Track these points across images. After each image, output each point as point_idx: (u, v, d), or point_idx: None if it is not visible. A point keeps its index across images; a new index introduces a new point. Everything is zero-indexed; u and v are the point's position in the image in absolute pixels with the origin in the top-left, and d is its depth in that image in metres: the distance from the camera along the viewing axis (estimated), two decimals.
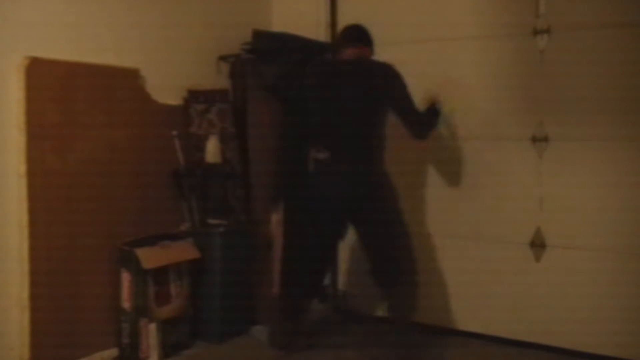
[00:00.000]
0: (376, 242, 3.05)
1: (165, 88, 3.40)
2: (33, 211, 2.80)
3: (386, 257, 3.04)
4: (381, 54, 3.26)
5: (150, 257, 3.09)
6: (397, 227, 3.06)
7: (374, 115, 3.02)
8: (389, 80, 3.01)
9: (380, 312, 3.77)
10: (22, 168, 2.78)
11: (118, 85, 3.16)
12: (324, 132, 3.13)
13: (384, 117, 3.06)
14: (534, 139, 3.30)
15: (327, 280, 3.68)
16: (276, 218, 3.74)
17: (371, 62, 3.13)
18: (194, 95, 3.55)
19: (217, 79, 3.67)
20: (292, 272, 3.38)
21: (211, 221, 3.50)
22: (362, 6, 3.79)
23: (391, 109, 3.05)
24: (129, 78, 3.23)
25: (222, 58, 3.72)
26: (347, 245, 3.60)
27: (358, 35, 3.16)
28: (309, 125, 3.18)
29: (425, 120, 3.13)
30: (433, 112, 3.18)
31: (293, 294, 3.28)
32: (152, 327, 3.14)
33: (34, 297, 2.80)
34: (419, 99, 3.14)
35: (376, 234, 3.03)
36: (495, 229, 3.42)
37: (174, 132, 3.46)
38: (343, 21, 3.87)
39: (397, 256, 3.04)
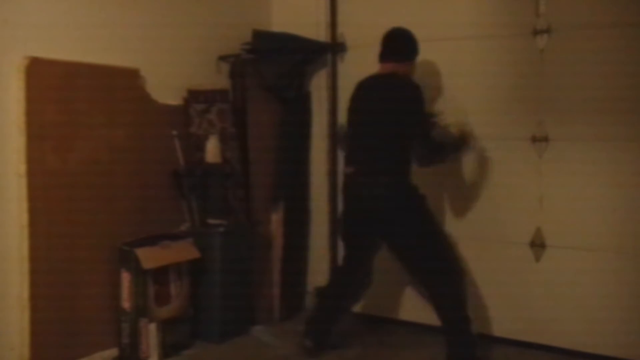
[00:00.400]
0: (409, 254, 3.06)
1: (165, 88, 3.40)
2: (33, 211, 2.80)
3: (422, 265, 3.04)
4: None
5: (150, 257, 3.09)
6: (427, 240, 3.04)
7: (397, 131, 3.01)
8: (406, 104, 3.00)
9: (381, 312, 3.79)
10: (22, 168, 2.78)
11: (118, 85, 3.16)
12: (352, 146, 3.17)
13: (409, 132, 3.04)
14: (534, 139, 3.29)
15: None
16: (276, 218, 3.74)
17: (399, 80, 3.07)
18: (194, 95, 3.55)
19: (217, 79, 3.67)
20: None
21: (211, 221, 3.50)
22: (362, 6, 3.79)
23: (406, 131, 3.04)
24: (129, 78, 3.23)
25: (222, 58, 3.72)
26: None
27: (396, 49, 3.13)
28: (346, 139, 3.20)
29: (433, 150, 3.13)
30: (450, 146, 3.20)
31: (329, 296, 3.32)
32: (152, 327, 3.14)
33: (34, 297, 2.81)
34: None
35: (407, 248, 3.04)
36: (495, 229, 3.42)
37: (174, 132, 3.46)
38: (343, 21, 3.88)
39: (432, 262, 3.02)
